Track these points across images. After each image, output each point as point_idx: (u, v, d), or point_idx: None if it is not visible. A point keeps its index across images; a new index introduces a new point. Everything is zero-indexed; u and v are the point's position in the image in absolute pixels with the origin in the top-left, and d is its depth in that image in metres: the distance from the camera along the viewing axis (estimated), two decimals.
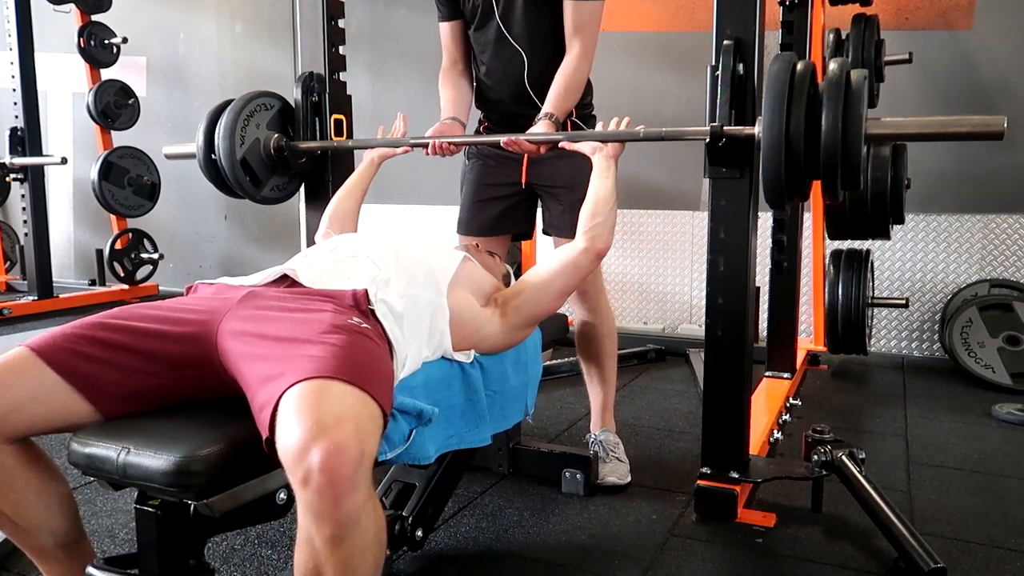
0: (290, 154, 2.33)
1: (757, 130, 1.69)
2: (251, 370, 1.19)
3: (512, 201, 2.26)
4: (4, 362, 1.24)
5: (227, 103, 2.29)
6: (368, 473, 1.04)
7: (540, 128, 2.02)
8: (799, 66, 1.65)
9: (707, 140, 1.81)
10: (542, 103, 2.10)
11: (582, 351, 2.30)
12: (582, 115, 2.20)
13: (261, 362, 1.19)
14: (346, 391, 1.09)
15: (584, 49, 2.07)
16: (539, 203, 2.29)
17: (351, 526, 1.02)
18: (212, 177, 2.34)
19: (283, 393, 1.08)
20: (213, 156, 2.28)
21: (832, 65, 1.62)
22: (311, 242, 2.49)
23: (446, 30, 2.28)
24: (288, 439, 1.02)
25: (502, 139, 2.00)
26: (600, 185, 1.86)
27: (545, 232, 2.29)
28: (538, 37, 2.10)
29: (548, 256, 1.80)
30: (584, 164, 2.15)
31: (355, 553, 1.04)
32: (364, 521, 1.04)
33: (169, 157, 2.57)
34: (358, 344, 1.22)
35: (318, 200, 2.43)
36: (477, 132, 2.32)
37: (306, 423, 1.02)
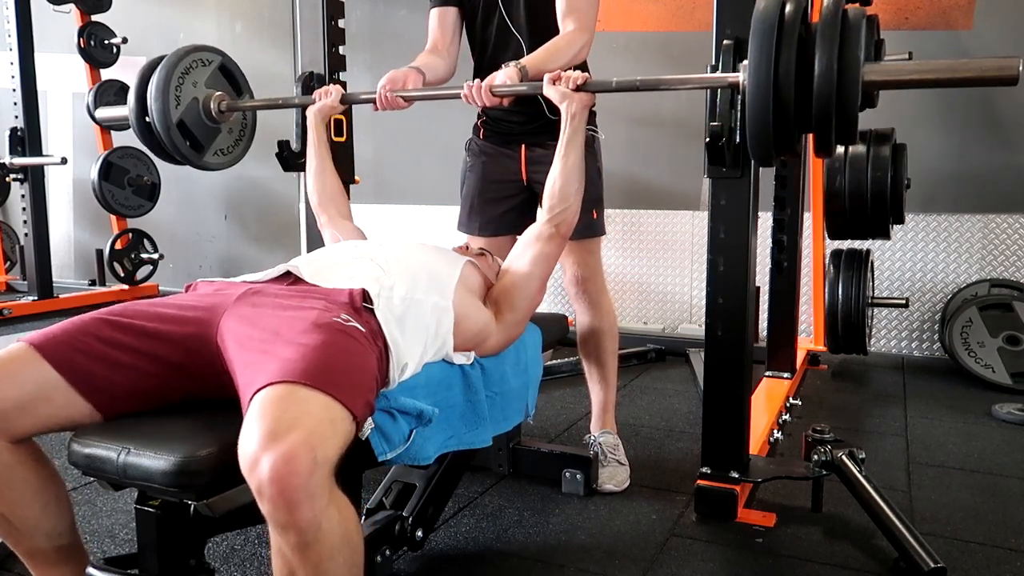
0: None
1: (742, 76, 1.53)
2: (239, 375, 1.20)
3: (514, 202, 2.25)
4: (4, 356, 1.23)
5: (159, 59, 2.12)
6: (325, 479, 1.03)
7: (502, 75, 1.86)
8: (788, 4, 1.48)
9: (707, 140, 1.80)
10: (543, 99, 2.06)
11: (583, 350, 2.30)
12: None
13: (245, 368, 1.19)
14: (308, 396, 1.08)
15: (579, 26, 1.97)
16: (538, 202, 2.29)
17: (313, 532, 1.02)
18: (148, 142, 2.20)
19: (250, 399, 1.09)
20: (147, 119, 2.11)
21: (826, 3, 1.45)
22: (311, 241, 2.48)
23: (437, 15, 2.20)
24: (243, 448, 1.03)
25: (462, 91, 1.84)
26: (568, 152, 1.77)
27: None
28: (540, 28, 2.08)
29: (518, 247, 1.79)
30: (588, 163, 2.14)
31: (324, 557, 1.04)
32: (327, 525, 1.03)
33: (102, 121, 2.44)
34: (335, 344, 1.21)
35: None
36: (475, 128, 2.32)
37: (259, 432, 1.02)
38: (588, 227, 2.16)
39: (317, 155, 2.09)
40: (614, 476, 2.17)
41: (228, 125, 2.27)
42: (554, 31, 2.07)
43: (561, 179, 1.77)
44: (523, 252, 1.76)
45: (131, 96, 2.14)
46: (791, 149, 1.56)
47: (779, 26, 1.44)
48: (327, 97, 2.06)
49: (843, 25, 1.42)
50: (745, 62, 1.51)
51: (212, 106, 2.17)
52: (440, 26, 2.20)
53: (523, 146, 2.19)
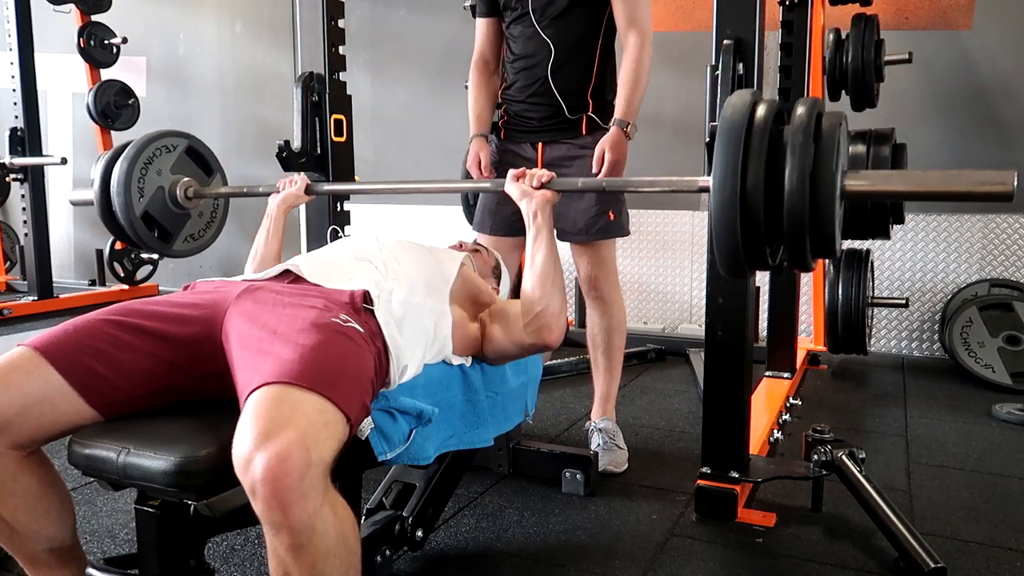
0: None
1: (709, 182, 1.38)
2: (238, 375, 1.20)
3: None
4: (8, 362, 1.22)
5: (123, 148, 2.08)
6: (319, 480, 1.03)
7: (610, 134, 2.10)
8: (760, 108, 1.32)
9: (707, 140, 1.80)
10: (560, 93, 2.17)
11: (591, 343, 2.37)
12: (599, 107, 2.22)
13: (243, 367, 1.19)
14: (302, 397, 1.08)
15: (642, 39, 2.12)
16: None
17: (307, 533, 1.02)
18: (115, 232, 2.14)
19: (246, 400, 1.09)
20: (113, 209, 2.05)
21: (799, 108, 1.30)
22: (311, 241, 2.49)
23: (482, 26, 2.34)
24: (237, 448, 1.03)
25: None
26: (534, 254, 1.62)
27: (559, 237, 2.28)
28: (568, 33, 2.16)
29: (514, 308, 1.63)
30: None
31: (318, 558, 1.04)
32: (321, 527, 1.03)
33: (74, 204, 2.35)
34: (333, 344, 1.21)
35: (318, 199, 2.43)
36: (495, 129, 2.36)
37: (253, 432, 1.02)
38: (603, 229, 2.21)
39: (267, 244, 1.96)
40: (614, 459, 2.24)
41: (198, 209, 2.22)
42: (582, 37, 2.16)
43: (528, 283, 1.61)
44: (511, 324, 1.61)
45: (95, 185, 2.07)
46: (764, 264, 1.41)
47: (747, 133, 1.30)
48: (292, 186, 2.01)
49: (817, 134, 1.28)
50: (713, 168, 1.36)
51: (179, 193, 2.13)
52: (486, 36, 2.34)
53: (541, 144, 2.24)
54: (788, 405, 2.83)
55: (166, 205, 2.10)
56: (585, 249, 2.25)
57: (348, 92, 2.48)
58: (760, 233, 1.31)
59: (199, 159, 2.19)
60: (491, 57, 2.34)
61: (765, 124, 1.30)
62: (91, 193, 2.11)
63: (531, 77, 2.20)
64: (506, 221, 2.28)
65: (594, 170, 2.13)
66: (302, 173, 2.07)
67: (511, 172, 1.71)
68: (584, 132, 2.20)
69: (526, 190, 1.66)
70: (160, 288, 5.26)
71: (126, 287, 5.06)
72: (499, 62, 2.36)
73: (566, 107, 2.18)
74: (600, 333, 2.33)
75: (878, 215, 3.06)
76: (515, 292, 1.94)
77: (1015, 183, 1.23)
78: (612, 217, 2.21)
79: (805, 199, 1.26)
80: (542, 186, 1.65)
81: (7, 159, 4.59)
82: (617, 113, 2.13)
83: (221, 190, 2.20)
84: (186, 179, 2.14)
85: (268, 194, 2.04)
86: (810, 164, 1.26)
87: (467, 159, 2.32)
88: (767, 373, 3.14)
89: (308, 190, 2.02)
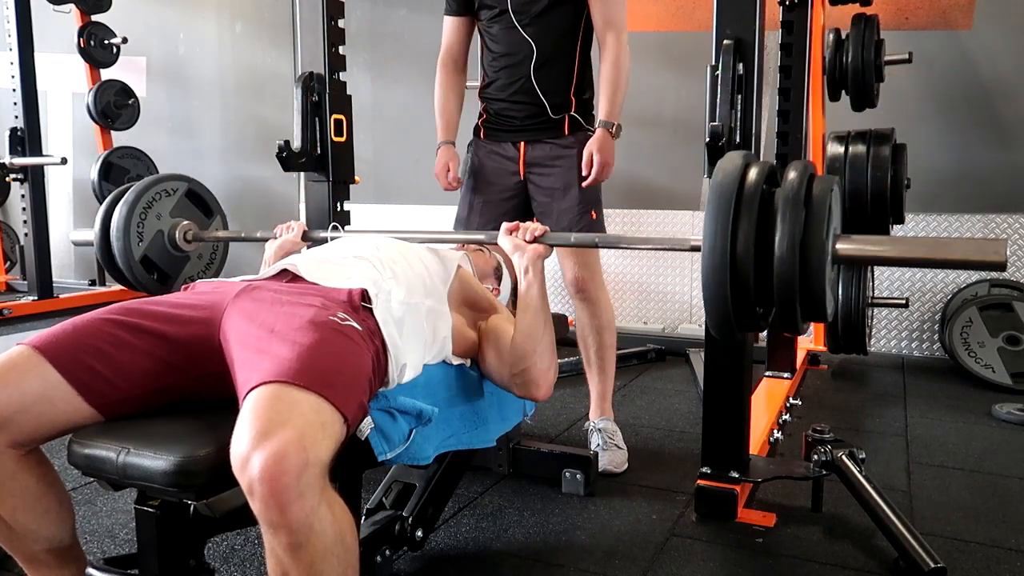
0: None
1: (700, 242, 1.37)
2: (237, 374, 1.20)
3: (513, 203, 2.29)
4: (7, 361, 1.22)
5: (125, 190, 2.09)
6: (317, 480, 1.03)
7: (596, 136, 2.11)
8: (751, 172, 1.32)
9: (707, 140, 1.80)
10: (543, 92, 2.17)
11: (583, 344, 2.37)
12: (580, 106, 2.22)
13: (241, 366, 1.19)
14: (299, 397, 1.08)
15: (619, 40, 2.15)
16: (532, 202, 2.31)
17: (305, 532, 1.02)
18: (115, 274, 2.14)
19: (244, 399, 1.09)
20: (112, 252, 2.08)
21: (791, 173, 1.30)
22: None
23: (453, 24, 2.33)
24: (234, 448, 1.03)
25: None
26: (524, 308, 1.59)
27: None
28: (549, 32, 2.15)
29: (502, 347, 1.59)
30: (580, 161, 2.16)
31: (316, 558, 1.04)
32: (319, 526, 1.03)
33: (76, 244, 2.37)
34: (330, 343, 1.21)
35: (318, 199, 2.43)
36: (475, 129, 2.35)
37: (250, 432, 1.02)
38: (587, 228, 2.21)
39: None
40: (613, 459, 2.25)
41: (197, 251, 2.23)
42: (564, 36, 2.16)
43: (518, 339, 1.57)
44: (503, 360, 1.59)
45: (96, 227, 2.08)
46: (756, 327, 1.41)
47: (737, 199, 1.30)
48: (289, 232, 2.03)
49: (807, 199, 1.28)
50: (703, 230, 1.37)
51: (178, 237, 2.14)
52: (455, 35, 2.33)
53: (523, 143, 2.23)
54: (788, 405, 2.83)
55: (165, 248, 2.13)
56: (571, 250, 2.25)
57: (348, 92, 2.47)
58: (750, 297, 1.31)
59: (199, 202, 2.19)
60: (460, 55, 2.35)
61: (756, 189, 1.30)
62: (91, 234, 2.13)
63: (513, 75, 2.20)
64: (493, 222, 2.27)
65: (583, 172, 2.14)
66: (300, 220, 2.10)
67: (504, 225, 1.72)
68: (567, 132, 2.21)
69: (519, 244, 1.67)
70: None
71: (126, 287, 5.05)
72: (467, 61, 2.37)
73: (549, 106, 2.19)
74: (591, 334, 2.33)
75: (878, 215, 3.06)
76: (516, 293, 1.94)
77: (1007, 253, 1.23)
78: (594, 216, 2.22)
79: (795, 265, 1.25)
80: (535, 240, 1.66)
81: (7, 159, 4.58)
82: (601, 114, 2.14)
83: (219, 234, 2.21)
84: (185, 222, 2.15)
85: (266, 240, 2.06)
86: (800, 230, 1.25)
87: (436, 167, 2.33)
88: (767, 373, 3.14)
89: (305, 236, 2.04)
